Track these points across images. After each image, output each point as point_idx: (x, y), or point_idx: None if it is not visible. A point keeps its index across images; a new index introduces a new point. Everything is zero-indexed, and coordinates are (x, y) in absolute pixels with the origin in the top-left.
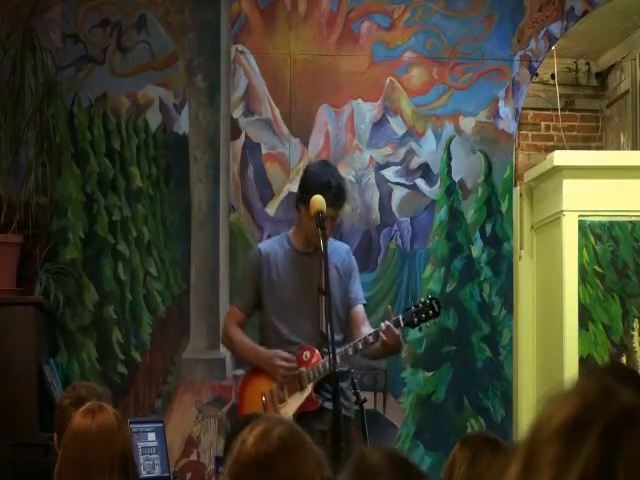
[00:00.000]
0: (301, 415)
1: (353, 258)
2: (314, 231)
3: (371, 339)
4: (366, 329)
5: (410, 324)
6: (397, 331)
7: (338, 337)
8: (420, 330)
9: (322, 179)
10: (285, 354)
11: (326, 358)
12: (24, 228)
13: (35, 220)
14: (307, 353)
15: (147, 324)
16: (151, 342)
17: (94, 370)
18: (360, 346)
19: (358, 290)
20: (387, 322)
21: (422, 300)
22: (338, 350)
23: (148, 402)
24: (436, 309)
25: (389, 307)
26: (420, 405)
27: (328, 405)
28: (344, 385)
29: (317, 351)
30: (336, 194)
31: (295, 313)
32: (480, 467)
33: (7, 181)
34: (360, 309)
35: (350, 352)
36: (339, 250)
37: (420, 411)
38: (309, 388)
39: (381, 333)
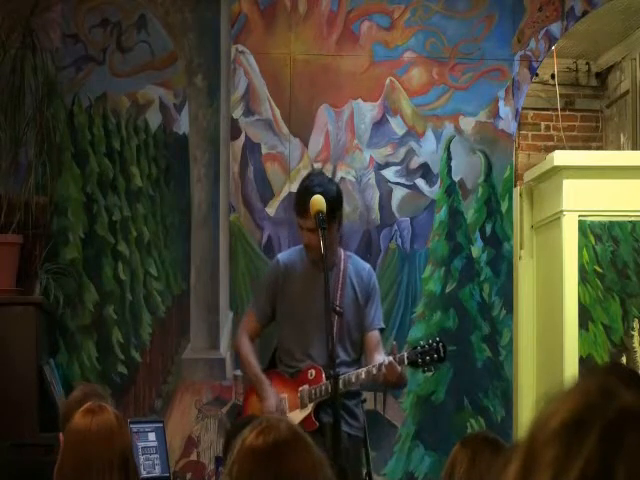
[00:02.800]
0: None
1: (374, 279)
2: (308, 242)
3: (374, 371)
4: (379, 356)
5: (414, 364)
6: (399, 368)
7: (349, 358)
8: (424, 372)
9: (298, 197)
10: (282, 411)
11: (330, 380)
12: (24, 228)
13: (35, 220)
14: (312, 372)
15: (147, 324)
16: (151, 342)
17: (94, 370)
18: (363, 376)
19: (376, 314)
20: (390, 358)
21: (429, 341)
22: (342, 375)
23: (148, 402)
24: (442, 354)
25: (394, 343)
26: (420, 405)
27: (329, 421)
28: (351, 403)
29: (322, 371)
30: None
31: (306, 328)
32: (480, 467)
33: (7, 181)
34: (375, 335)
35: (353, 380)
36: (359, 269)
37: (420, 411)
38: (309, 407)
39: (383, 368)
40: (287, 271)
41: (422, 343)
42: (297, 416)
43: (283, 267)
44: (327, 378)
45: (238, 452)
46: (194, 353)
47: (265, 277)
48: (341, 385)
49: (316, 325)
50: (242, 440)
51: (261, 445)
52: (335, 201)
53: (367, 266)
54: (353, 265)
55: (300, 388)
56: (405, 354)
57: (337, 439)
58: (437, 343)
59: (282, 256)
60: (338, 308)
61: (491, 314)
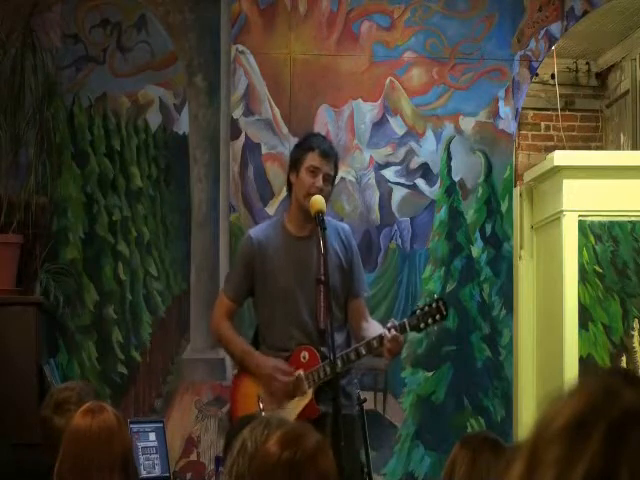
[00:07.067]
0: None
1: (354, 242)
2: (303, 204)
3: (375, 344)
4: (366, 324)
5: (416, 328)
6: (402, 337)
7: (338, 331)
8: (426, 332)
9: (305, 143)
10: (285, 368)
11: (326, 361)
12: (24, 228)
13: (35, 220)
14: (305, 354)
15: (147, 324)
16: (151, 342)
17: (94, 370)
18: (363, 351)
19: (359, 279)
20: (393, 331)
21: (428, 302)
22: (339, 353)
23: (148, 402)
24: (443, 312)
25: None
26: (420, 405)
27: (328, 407)
28: (344, 382)
29: (316, 352)
30: (324, 148)
31: (292, 304)
32: (480, 467)
33: (7, 181)
34: (360, 302)
35: (352, 357)
36: (339, 232)
37: (420, 411)
38: (309, 394)
39: (386, 342)
40: (261, 246)
41: (420, 305)
42: (297, 404)
43: (257, 244)
44: (322, 359)
45: (256, 458)
46: (194, 353)
47: (238, 256)
48: (340, 364)
49: (300, 298)
50: (255, 441)
51: (285, 459)
52: (329, 146)
53: (345, 226)
54: (331, 229)
55: (296, 373)
56: (406, 321)
57: (337, 417)
58: (437, 301)
59: (255, 232)
60: (323, 277)
61: (491, 314)
